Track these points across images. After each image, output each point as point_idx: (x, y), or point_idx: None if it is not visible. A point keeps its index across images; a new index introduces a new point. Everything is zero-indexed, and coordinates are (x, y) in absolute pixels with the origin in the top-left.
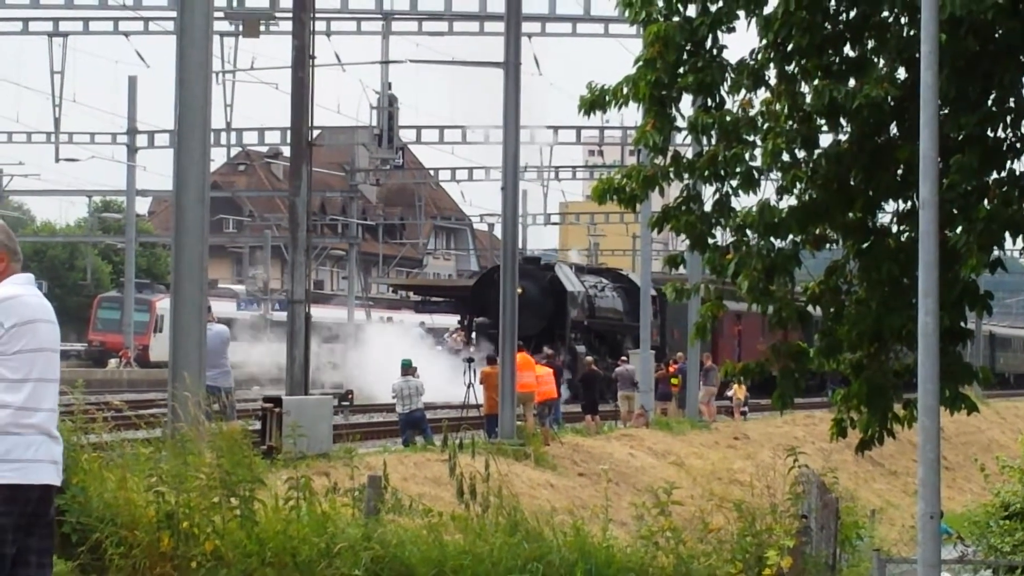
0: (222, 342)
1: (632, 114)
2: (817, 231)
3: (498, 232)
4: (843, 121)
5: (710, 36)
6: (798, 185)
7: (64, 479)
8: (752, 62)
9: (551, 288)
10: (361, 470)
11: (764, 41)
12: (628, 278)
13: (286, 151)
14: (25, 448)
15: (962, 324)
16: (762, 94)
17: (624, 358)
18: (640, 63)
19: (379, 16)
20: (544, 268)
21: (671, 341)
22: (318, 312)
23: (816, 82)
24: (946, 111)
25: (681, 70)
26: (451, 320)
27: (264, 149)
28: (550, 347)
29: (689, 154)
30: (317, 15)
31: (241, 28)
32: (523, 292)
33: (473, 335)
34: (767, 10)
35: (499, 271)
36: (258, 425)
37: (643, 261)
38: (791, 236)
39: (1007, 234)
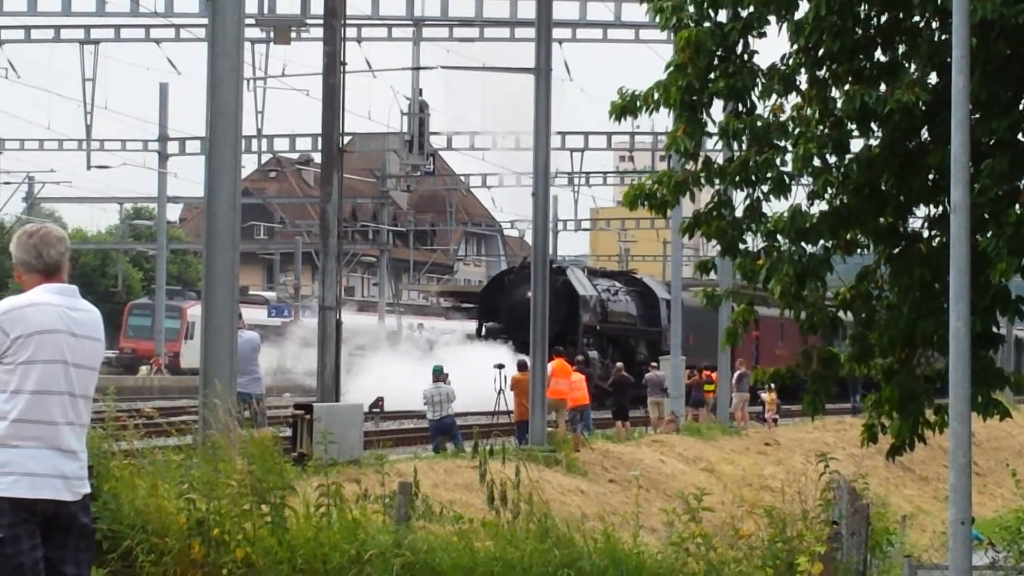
0: (252, 349)
1: (663, 119)
2: (848, 236)
3: (529, 238)
4: (874, 126)
5: (741, 41)
6: (829, 190)
7: (95, 486)
8: (783, 67)
9: (563, 292)
10: (392, 477)
11: (795, 46)
12: (642, 281)
13: (317, 157)
14: (24, 461)
15: (994, 329)
16: (793, 99)
17: (654, 364)
18: (671, 68)
19: (410, 22)
20: (556, 272)
21: (686, 346)
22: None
23: (847, 87)
24: (977, 115)
25: (712, 75)
26: None
27: (295, 156)
28: (571, 353)
29: (720, 159)
30: (348, 22)
31: (272, 35)
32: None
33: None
34: (798, 15)
35: (508, 275)
36: (289, 432)
37: (674, 267)
38: (822, 241)
39: None
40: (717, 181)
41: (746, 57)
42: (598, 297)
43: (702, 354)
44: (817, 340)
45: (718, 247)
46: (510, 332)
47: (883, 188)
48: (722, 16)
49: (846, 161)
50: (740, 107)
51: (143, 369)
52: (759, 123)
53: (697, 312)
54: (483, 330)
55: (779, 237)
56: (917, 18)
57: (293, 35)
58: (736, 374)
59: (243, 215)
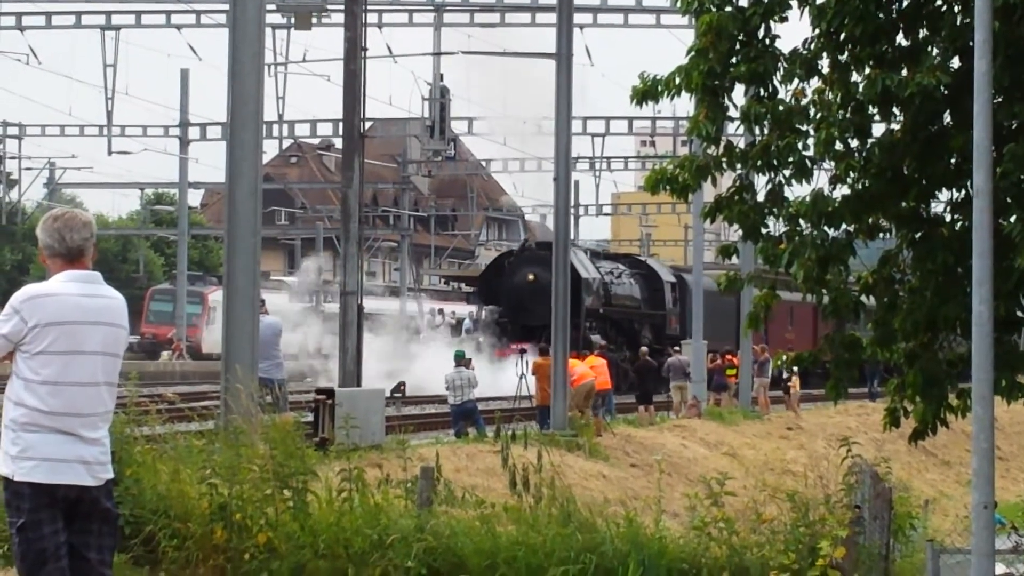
0: (274, 334)
1: (684, 104)
2: (871, 220)
3: (550, 223)
4: (896, 110)
5: (763, 26)
6: (851, 174)
7: (118, 471)
8: (805, 51)
9: None
10: (414, 461)
11: (817, 30)
12: (647, 264)
13: (338, 143)
14: (44, 447)
15: (1018, 313)
16: (815, 83)
17: (676, 348)
18: (692, 53)
19: (431, 8)
20: None
21: (692, 329)
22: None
23: (869, 71)
24: (999, 100)
25: (733, 60)
26: None
27: (316, 141)
28: (574, 337)
29: (742, 144)
30: (369, 7)
31: (293, 20)
32: (535, 279)
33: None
34: None
35: (508, 258)
36: (311, 417)
37: (695, 251)
38: (845, 225)
39: None
40: (739, 165)
41: (768, 42)
42: (601, 280)
43: (711, 337)
44: (826, 324)
45: (740, 231)
46: (510, 315)
47: (905, 172)
48: (743, 0)
49: (868, 145)
50: (762, 91)
51: (164, 354)
52: (781, 107)
53: (707, 295)
54: (483, 313)
55: (801, 221)
56: (939, 2)
57: (314, 20)
58: (759, 360)
59: (264, 200)
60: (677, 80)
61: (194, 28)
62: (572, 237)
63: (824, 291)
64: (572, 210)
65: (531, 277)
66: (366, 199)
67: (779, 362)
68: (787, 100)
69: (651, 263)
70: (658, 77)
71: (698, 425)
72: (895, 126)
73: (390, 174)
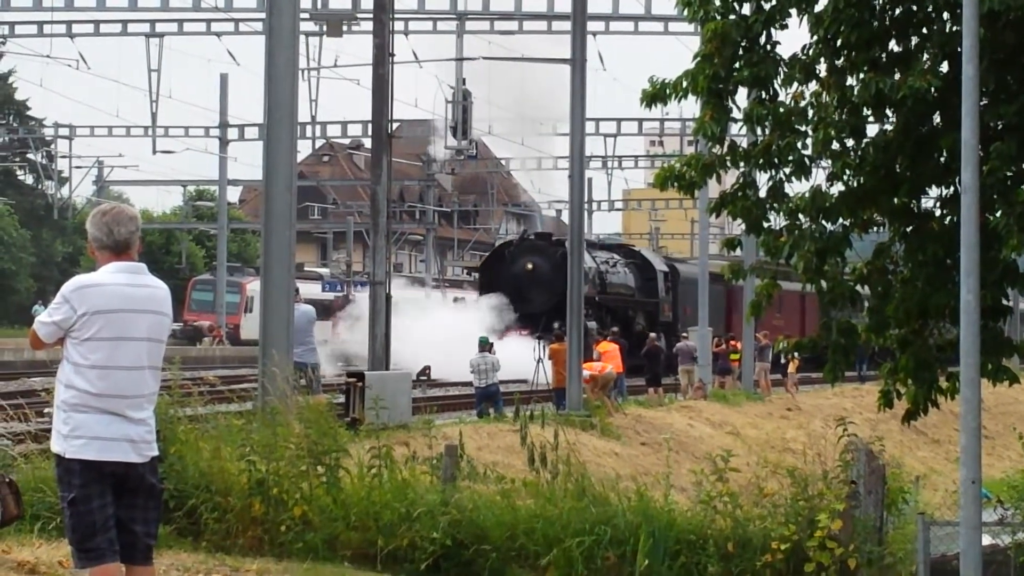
0: (308, 321)
1: (691, 106)
2: (865, 215)
3: (565, 218)
4: (889, 112)
5: (764, 33)
6: (847, 172)
7: (162, 449)
8: (803, 57)
9: (562, 264)
10: (438, 440)
11: (815, 37)
12: (640, 254)
13: (367, 143)
14: (93, 426)
15: (1003, 301)
16: (813, 87)
17: (684, 335)
18: (698, 58)
19: (454, 16)
20: (555, 244)
21: (683, 317)
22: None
23: (863, 75)
24: (986, 102)
25: (737, 65)
26: None
27: (347, 141)
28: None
29: (745, 143)
30: (396, 16)
31: (325, 28)
32: (534, 268)
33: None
34: (818, 8)
35: (508, 248)
36: (342, 398)
37: (700, 244)
38: (841, 220)
39: None
40: (742, 164)
41: (769, 48)
42: (597, 269)
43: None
44: (814, 312)
45: (743, 225)
46: (509, 302)
47: (897, 170)
48: (746, 9)
49: (863, 145)
50: (763, 94)
51: (205, 340)
52: (781, 109)
53: (694, 284)
54: (484, 300)
55: (800, 216)
56: (929, 9)
57: (345, 28)
58: (760, 345)
59: (298, 197)
60: (684, 84)
61: (233, 35)
62: (586, 231)
63: (822, 281)
64: (586, 205)
65: (530, 266)
66: (393, 195)
67: (779, 347)
68: (787, 102)
69: (644, 253)
70: (666, 81)
71: (704, 406)
72: (888, 127)
73: (416, 172)
